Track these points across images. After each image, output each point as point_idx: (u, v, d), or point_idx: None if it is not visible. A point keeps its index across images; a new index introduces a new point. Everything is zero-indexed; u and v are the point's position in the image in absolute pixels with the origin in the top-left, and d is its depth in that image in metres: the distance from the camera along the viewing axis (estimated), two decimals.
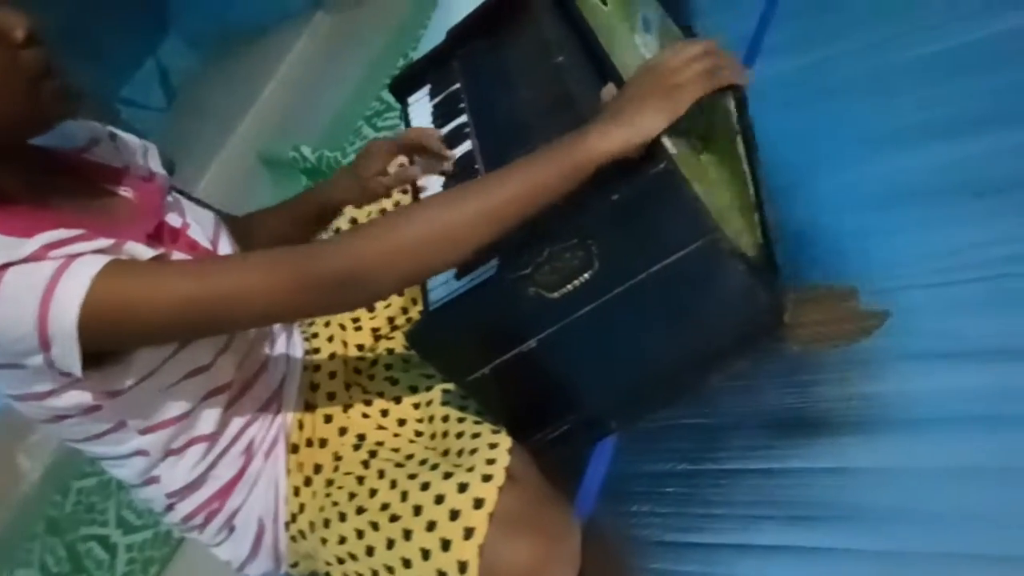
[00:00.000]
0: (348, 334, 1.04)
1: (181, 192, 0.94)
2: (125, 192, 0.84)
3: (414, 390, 0.97)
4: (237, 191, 2.17)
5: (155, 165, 0.93)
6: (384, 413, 0.95)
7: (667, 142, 0.70)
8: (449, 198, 0.72)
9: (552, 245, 0.70)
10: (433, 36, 1.18)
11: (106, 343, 0.69)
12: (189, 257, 0.82)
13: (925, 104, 1.00)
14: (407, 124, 1.12)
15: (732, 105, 0.72)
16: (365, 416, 0.95)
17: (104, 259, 0.66)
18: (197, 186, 2.32)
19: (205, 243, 0.86)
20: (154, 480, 0.86)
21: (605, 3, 1.04)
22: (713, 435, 0.79)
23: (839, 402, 0.74)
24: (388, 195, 1.05)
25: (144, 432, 0.81)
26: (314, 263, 0.70)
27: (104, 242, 0.69)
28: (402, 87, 1.18)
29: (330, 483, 0.87)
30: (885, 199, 0.86)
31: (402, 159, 1.03)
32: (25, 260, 0.64)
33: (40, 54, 0.68)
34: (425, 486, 0.78)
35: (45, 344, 0.64)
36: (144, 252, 0.73)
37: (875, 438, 0.70)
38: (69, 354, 0.65)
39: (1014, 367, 0.75)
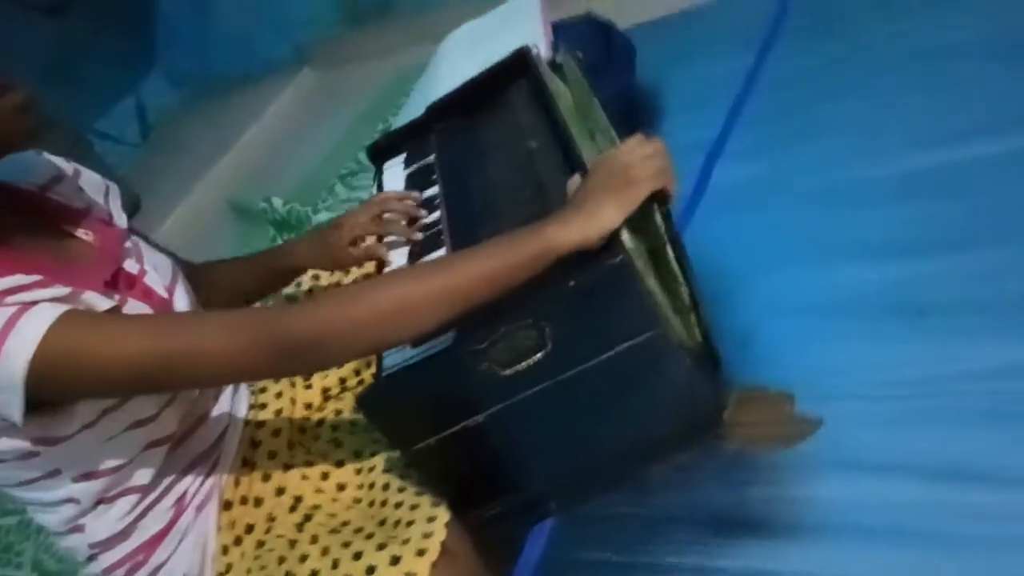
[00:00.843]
0: (297, 392, 1.03)
1: (139, 235, 0.94)
2: (85, 235, 0.84)
3: (358, 455, 0.96)
4: (202, 234, 2.17)
5: (116, 207, 0.93)
6: (324, 476, 0.94)
7: (624, 236, 0.73)
8: (414, 274, 0.73)
9: (508, 324, 0.71)
10: (413, 107, 1.21)
11: (52, 393, 0.68)
12: (144, 305, 0.81)
13: (877, 222, 1.06)
14: (379, 188, 1.14)
15: (659, 214, 0.77)
16: (305, 478, 0.93)
17: (60, 309, 0.65)
18: (162, 225, 2.30)
19: (161, 291, 0.86)
20: (79, 529, 0.83)
21: (573, 95, 1.09)
22: (649, 527, 0.80)
23: (771, 504, 0.75)
24: (356, 266, 1.06)
25: (78, 480, 0.79)
26: (275, 329, 0.70)
27: (61, 290, 0.68)
28: (379, 152, 1.21)
29: (261, 544, 0.85)
30: (828, 309, 0.90)
31: (372, 238, 1.03)
32: None
33: (14, 93, 0.69)
34: (358, 555, 0.77)
35: None
36: (101, 303, 0.72)
37: (802, 543, 0.71)
38: (11, 402, 0.64)
39: (938, 486, 0.77)
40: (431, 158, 1.11)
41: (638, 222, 0.81)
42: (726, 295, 0.99)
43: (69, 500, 0.80)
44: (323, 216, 1.72)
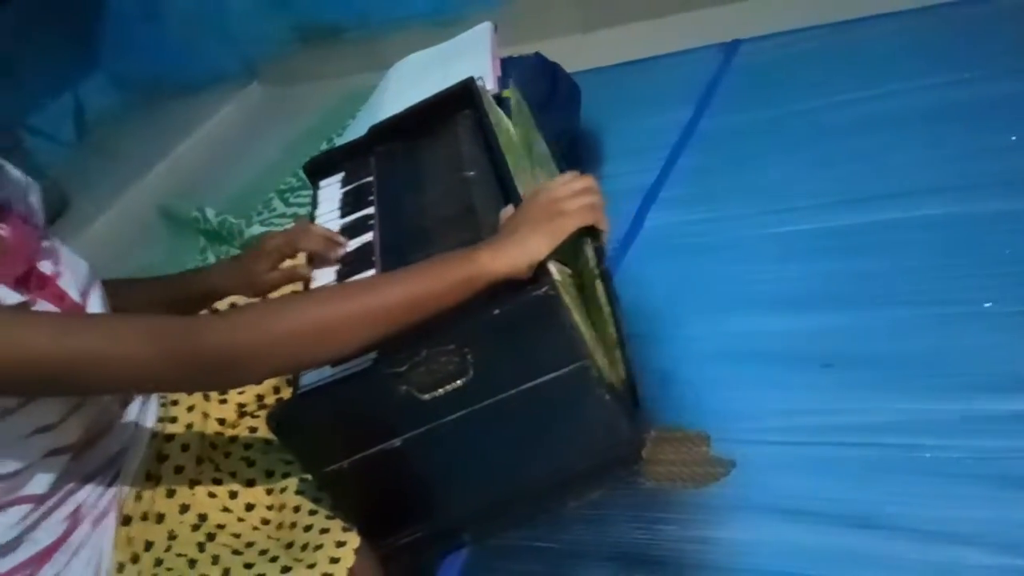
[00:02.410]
0: (211, 406, 1.00)
1: (54, 238, 0.91)
2: (0, 230, 0.81)
3: (269, 475, 0.93)
4: (130, 240, 2.10)
5: (36, 206, 0.89)
6: (233, 495, 0.91)
7: (553, 268, 0.74)
8: (336, 293, 0.73)
9: (431, 347, 0.71)
10: (358, 128, 1.21)
11: None
12: (55, 307, 0.78)
13: (796, 276, 1.11)
14: (314, 205, 1.13)
15: (591, 250, 0.78)
16: (212, 495, 0.90)
17: None
18: (90, 227, 2.23)
19: (75, 295, 0.82)
20: None
21: (515, 128, 1.11)
22: (562, 561, 0.80)
23: (681, 544, 0.76)
24: (275, 290, 1.04)
25: None
26: (190, 340, 0.68)
27: None
28: (317, 169, 1.20)
29: (159, 563, 0.82)
30: (743, 356, 0.93)
31: (294, 260, 1.01)
32: None
33: None
34: None
35: None
36: (8, 296, 0.69)
37: None
38: None
39: (840, 531, 0.80)
40: (369, 179, 1.11)
41: (569, 256, 0.82)
42: (650, 336, 1.02)
43: None
44: (256, 229, 1.69)
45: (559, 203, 0.74)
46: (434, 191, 1.02)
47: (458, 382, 0.72)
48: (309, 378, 0.78)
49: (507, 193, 0.89)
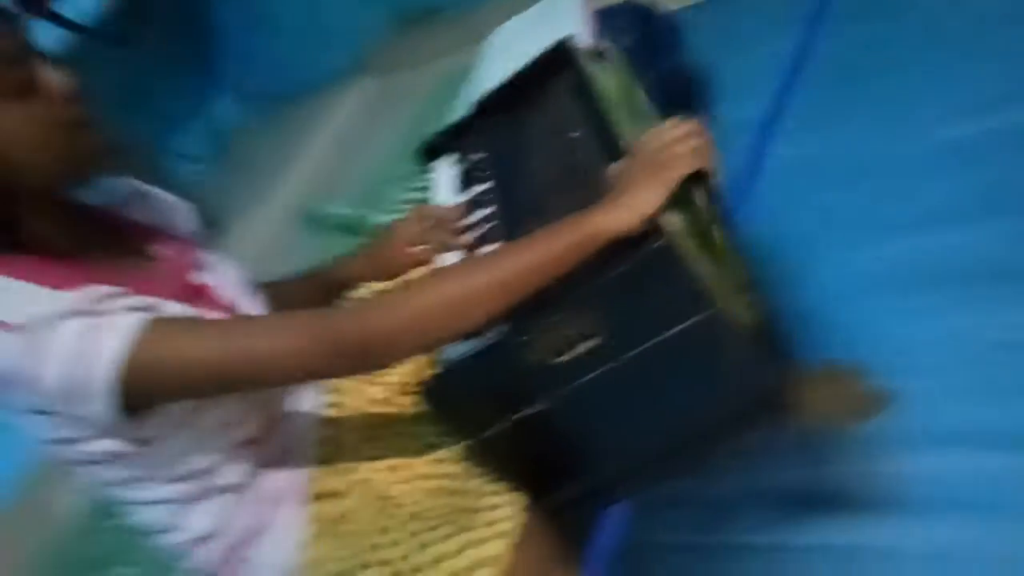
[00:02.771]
0: (371, 388, 1.07)
1: (208, 250, 1.00)
2: (157, 251, 0.89)
3: (432, 446, 0.99)
4: (276, 246, 2.26)
5: (187, 224, 0.98)
6: (402, 468, 0.98)
7: (669, 219, 0.74)
8: (462, 270, 0.76)
9: (556, 314, 0.73)
10: (463, 106, 1.24)
11: (140, 396, 0.73)
12: (216, 314, 0.86)
13: (938, 191, 1.02)
14: (431, 188, 1.17)
15: (704, 194, 0.76)
16: (382, 470, 0.97)
17: (143, 316, 0.70)
18: (240, 239, 2.41)
19: (230, 301, 0.90)
20: (175, 528, 0.89)
21: (614, 82, 1.09)
22: (722, 508, 0.80)
23: (844, 480, 0.74)
24: (406, 275, 1.09)
25: (172, 481, 0.85)
26: (336, 330, 0.74)
27: (144, 300, 0.73)
28: (429, 154, 1.24)
29: (345, 536, 0.90)
30: (896, 281, 0.88)
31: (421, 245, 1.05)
32: (68, 315, 0.68)
33: (80, 109, 0.74)
34: (431, 544, 0.81)
35: (84, 395, 0.68)
36: (179, 310, 0.78)
37: (879, 517, 0.70)
38: (105, 406, 0.69)
39: (1012, 456, 0.75)
40: (480, 155, 1.13)
41: (684, 203, 0.81)
42: (787, 272, 0.98)
43: (163, 500, 0.86)
44: (385, 218, 1.77)
45: (664, 152, 0.73)
46: (543, 157, 1.03)
47: (587, 344, 0.74)
48: (450, 353, 0.82)
49: (613, 150, 0.88)
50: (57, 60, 0.75)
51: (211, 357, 0.72)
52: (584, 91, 1.03)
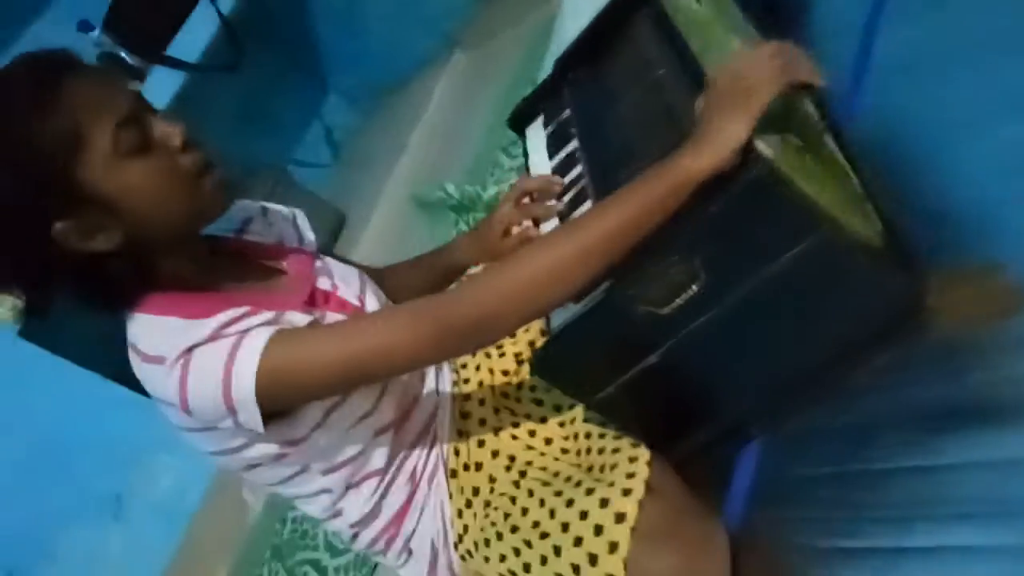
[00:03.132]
0: (493, 361, 1.10)
1: (326, 253, 1.05)
2: (280, 265, 0.95)
3: (558, 409, 1.01)
4: (398, 233, 2.34)
5: (304, 232, 1.04)
6: (532, 434, 1.00)
7: (760, 145, 0.69)
8: (556, 238, 0.75)
9: (655, 264, 0.71)
10: (550, 66, 1.21)
11: (280, 402, 0.79)
12: (341, 315, 0.91)
13: None
14: (526, 155, 1.16)
15: (810, 106, 0.71)
16: (514, 438, 1.00)
17: (269, 331, 0.75)
18: (365, 232, 2.51)
19: (354, 300, 0.95)
20: (338, 513, 0.96)
21: (699, 2, 1.03)
22: (861, 435, 0.76)
23: (991, 388, 0.68)
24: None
25: (325, 473, 0.91)
26: (446, 313, 0.76)
27: (267, 315, 0.78)
28: (519, 120, 1.23)
29: (487, 504, 0.93)
30: None
31: (526, 222, 1.05)
32: (206, 341, 0.74)
33: (196, 155, 0.80)
34: (570, 503, 0.82)
35: (231, 410, 0.74)
36: (302, 319, 0.82)
37: None
38: (252, 416, 0.75)
39: None
40: (567, 113, 1.12)
41: (782, 121, 0.76)
42: (911, 171, 0.90)
43: (323, 491, 0.93)
44: (492, 191, 1.78)
45: (746, 79, 0.69)
46: (630, 102, 1.00)
47: (692, 288, 0.72)
48: (556, 319, 0.82)
49: (699, 82, 0.84)
50: (168, 112, 0.81)
51: (333, 357, 0.76)
52: (664, 22, 0.98)
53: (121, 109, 0.75)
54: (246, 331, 0.76)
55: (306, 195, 2.83)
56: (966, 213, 0.79)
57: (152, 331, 0.79)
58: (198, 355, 0.74)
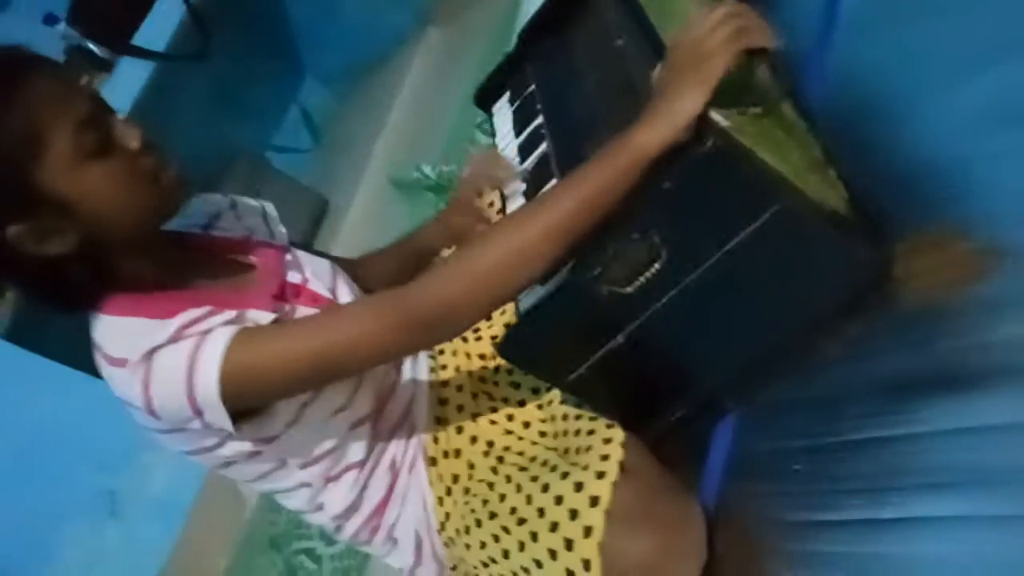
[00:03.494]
0: (470, 345, 1.09)
1: (297, 245, 1.03)
2: (249, 260, 0.93)
3: (535, 392, 1.00)
4: (380, 216, 2.32)
5: (274, 226, 1.02)
6: (510, 417, 1.00)
7: (716, 116, 0.68)
8: (515, 221, 0.73)
9: (615, 242, 0.70)
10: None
11: (247, 401, 0.77)
12: (313, 309, 0.89)
13: None
14: (493, 134, 1.15)
15: (765, 72, 0.69)
16: (492, 423, 0.99)
17: (231, 330, 0.74)
18: (346, 216, 2.49)
19: (326, 293, 0.93)
20: (320, 507, 0.95)
21: None
22: (832, 406, 0.74)
23: (960, 355, 0.67)
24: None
25: (303, 467, 0.90)
26: (411, 304, 0.75)
27: (229, 314, 0.77)
28: (485, 97, 1.21)
29: (467, 491, 0.93)
30: (993, 122, 0.75)
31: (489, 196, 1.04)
32: (167, 343, 0.73)
33: (155, 156, 0.78)
34: (545, 488, 0.82)
35: (197, 411, 0.73)
36: (265, 317, 0.80)
37: (1002, 391, 0.63)
38: (219, 416, 0.74)
39: None
40: (532, 88, 1.09)
41: (738, 89, 0.74)
42: (878, 131, 0.88)
43: (302, 485, 0.92)
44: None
45: (699, 46, 0.67)
46: (592, 74, 0.98)
47: (655, 267, 0.70)
48: (524, 303, 0.81)
49: (658, 51, 0.82)
50: (128, 117, 0.79)
51: (299, 354, 0.75)
52: None
53: (81, 110, 0.73)
54: (207, 331, 0.74)
55: (286, 181, 2.79)
56: (934, 172, 0.78)
57: (115, 333, 0.78)
58: (160, 357, 0.73)
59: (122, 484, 1.99)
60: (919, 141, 0.82)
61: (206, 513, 2.00)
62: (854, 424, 0.72)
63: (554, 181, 0.90)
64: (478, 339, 1.09)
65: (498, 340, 0.78)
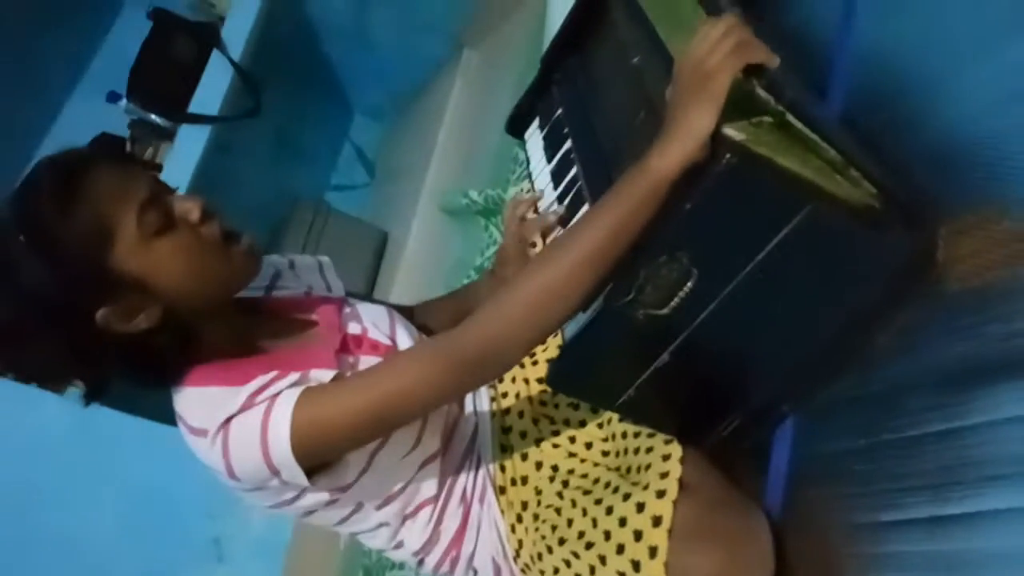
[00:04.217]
0: (527, 371, 1.11)
1: (353, 295, 1.07)
2: (311, 317, 0.97)
3: (595, 411, 1.01)
4: (437, 244, 2.36)
5: (332, 279, 1.06)
6: (572, 440, 1.01)
7: (730, 131, 0.68)
8: (546, 258, 0.75)
9: (645, 267, 0.70)
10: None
11: (319, 456, 0.81)
12: (375, 357, 0.92)
13: None
14: (527, 161, 1.16)
15: (761, 90, 0.69)
16: (555, 446, 1.01)
17: (296, 391, 0.78)
18: (406, 245, 2.55)
19: (385, 340, 0.96)
20: (400, 544, 0.99)
21: None
22: (889, 402, 0.73)
23: (1010, 339, 0.65)
24: None
25: (379, 508, 0.94)
26: (456, 348, 0.77)
27: (294, 376, 0.81)
28: (516, 125, 1.23)
29: (536, 518, 0.95)
30: None
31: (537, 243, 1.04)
32: (240, 411, 0.77)
33: (217, 224, 0.82)
34: (609, 510, 0.83)
35: (274, 471, 0.78)
36: (328, 375, 0.83)
37: None
38: (295, 474, 0.78)
39: None
40: (559, 112, 1.11)
41: (746, 101, 0.74)
42: (905, 115, 0.85)
43: (382, 524, 0.96)
44: (513, 190, 1.78)
45: (703, 64, 0.67)
46: (613, 95, 0.99)
47: (688, 286, 0.71)
48: (568, 331, 0.82)
49: (670, 67, 0.82)
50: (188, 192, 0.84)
51: (360, 407, 0.78)
52: (633, 4, 0.96)
53: (140, 193, 0.78)
54: (276, 395, 0.78)
55: (346, 220, 2.89)
56: (969, 151, 0.75)
57: (194, 403, 0.83)
58: (235, 425, 0.78)
59: (226, 530, 2.10)
60: (952, 119, 0.80)
61: (303, 549, 2.08)
62: (912, 419, 0.70)
63: (587, 206, 0.92)
64: (535, 363, 1.11)
65: (547, 372, 0.79)
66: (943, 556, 0.64)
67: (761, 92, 0.69)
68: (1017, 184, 0.69)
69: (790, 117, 0.70)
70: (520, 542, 0.96)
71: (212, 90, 2.37)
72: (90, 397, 0.86)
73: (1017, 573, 0.60)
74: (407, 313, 1.10)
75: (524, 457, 1.01)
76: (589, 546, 0.83)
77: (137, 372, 0.86)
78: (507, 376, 1.12)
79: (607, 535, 0.81)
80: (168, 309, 0.80)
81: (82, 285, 0.77)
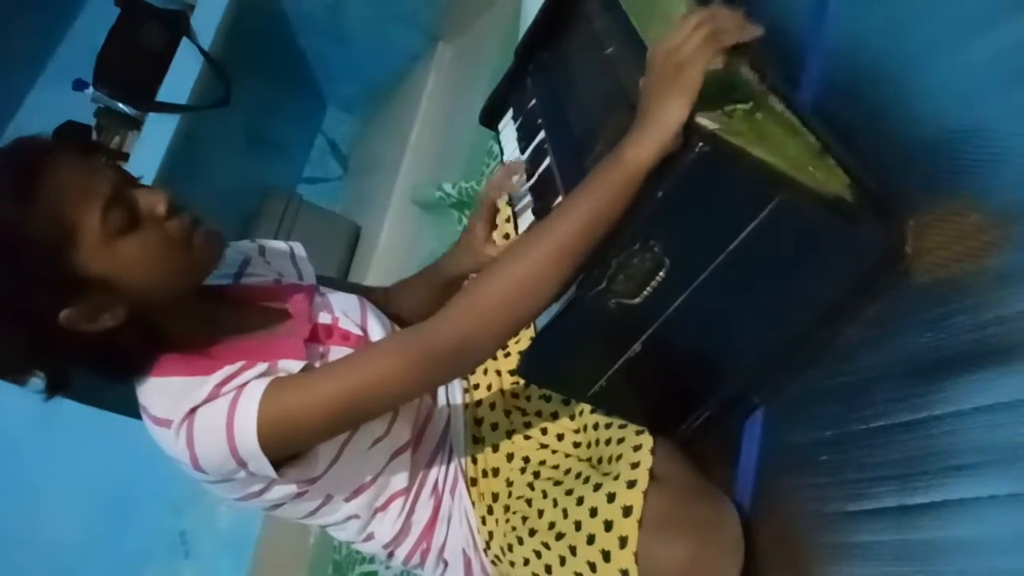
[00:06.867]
0: (500, 363, 1.10)
1: (325, 281, 1.06)
2: (281, 305, 0.94)
3: (567, 403, 1.01)
4: (410, 237, 2.35)
5: (303, 265, 1.04)
6: (543, 431, 1.01)
7: (703, 121, 0.68)
8: (519, 250, 0.74)
9: (617, 256, 0.70)
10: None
11: (287, 448, 0.80)
12: (345, 348, 0.91)
13: None
14: (501, 152, 1.16)
15: (746, 69, 0.69)
16: (527, 438, 1.01)
17: (264, 382, 0.76)
18: (379, 238, 2.53)
19: (356, 330, 0.95)
20: (370, 537, 0.98)
21: None
22: (857, 393, 0.73)
23: (977, 331, 0.65)
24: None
25: (349, 500, 0.93)
26: (425, 342, 0.76)
27: (261, 366, 0.79)
28: (490, 116, 1.22)
29: (507, 509, 0.94)
30: (1001, 82, 0.72)
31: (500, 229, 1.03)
32: (205, 401, 0.76)
33: (183, 218, 0.80)
34: (580, 500, 0.83)
35: (241, 463, 0.76)
36: (297, 365, 0.82)
37: (1020, 366, 0.61)
38: (262, 465, 0.77)
39: None
40: (533, 103, 1.10)
41: (724, 88, 0.74)
42: (879, 105, 0.86)
43: (351, 517, 0.95)
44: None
45: (675, 55, 0.67)
46: (587, 86, 0.98)
47: (660, 275, 0.71)
48: (541, 321, 0.82)
49: (644, 58, 0.82)
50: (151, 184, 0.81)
51: (329, 399, 0.77)
52: None
53: (104, 190, 0.75)
54: (242, 386, 0.77)
55: (318, 212, 2.86)
56: (938, 144, 0.76)
57: (159, 393, 0.81)
58: (200, 416, 0.76)
59: (192, 524, 2.07)
60: (922, 113, 0.80)
61: (272, 544, 2.06)
62: (879, 410, 0.71)
63: (560, 197, 0.91)
64: (507, 355, 1.11)
65: (518, 363, 0.79)
66: (910, 545, 0.65)
67: (745, 71, 0.69)
68: (985, 177, 0.69)
69: (772, 96, 0.70)
70: (491, 533, 0.95)
71: (181, 79, 2.33)
72: (52, 391, 0.84)
73: (983, 561, 0.61)
74: (381, 297, 1.09)
75: (495, 449, 1.01)
76: (559, 536, 0.82)
77: (102, 368, 0.84)
78: (479, 368, 1.11)
79: (577, 525, 0.81)
80: (133, 306, 0.78)
81: (44, 287, 0.74)
